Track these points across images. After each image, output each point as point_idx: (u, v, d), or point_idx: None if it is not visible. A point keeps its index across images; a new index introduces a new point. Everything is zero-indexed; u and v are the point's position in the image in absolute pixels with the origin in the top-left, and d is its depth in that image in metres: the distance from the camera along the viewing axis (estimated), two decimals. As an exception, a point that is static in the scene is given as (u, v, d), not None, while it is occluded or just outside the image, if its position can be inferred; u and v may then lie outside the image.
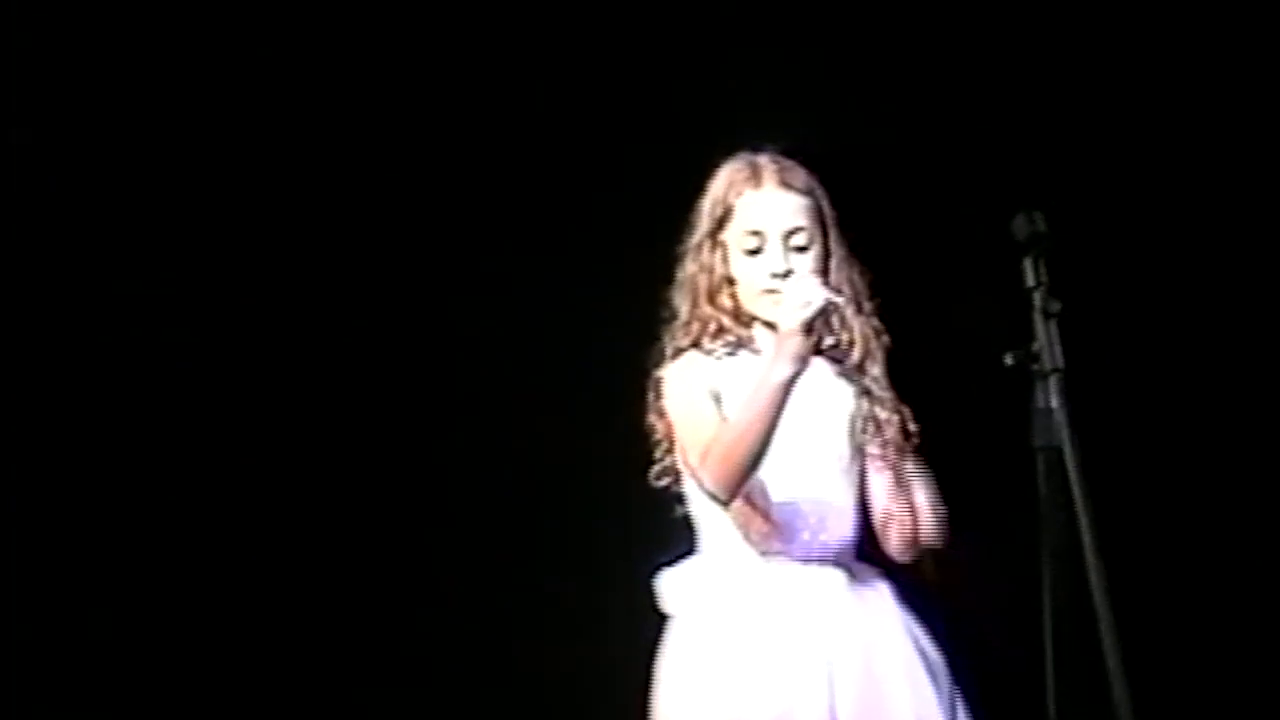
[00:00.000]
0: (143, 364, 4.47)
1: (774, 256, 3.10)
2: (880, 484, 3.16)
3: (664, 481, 3.19)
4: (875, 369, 3.16)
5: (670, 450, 3.17)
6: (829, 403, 3.17)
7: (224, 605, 4.43)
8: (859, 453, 3.17)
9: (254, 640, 4.42)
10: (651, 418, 3.19)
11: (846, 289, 3.13)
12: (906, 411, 3.17)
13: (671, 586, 3.16)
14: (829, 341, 3.13)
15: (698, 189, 3.23)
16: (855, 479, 3.17)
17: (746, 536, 3.11)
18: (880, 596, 3.16)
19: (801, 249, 3.11)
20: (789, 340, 2.99)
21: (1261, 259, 4.48)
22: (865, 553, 3.18)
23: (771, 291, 3.09)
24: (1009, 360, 2.63)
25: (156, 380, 4.47)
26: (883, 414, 3.15)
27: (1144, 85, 4.50)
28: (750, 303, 3.14)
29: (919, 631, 3.16)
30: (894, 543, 3.15)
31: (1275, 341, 4.47)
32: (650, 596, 3.18)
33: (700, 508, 3.16)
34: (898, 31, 4.51)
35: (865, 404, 3.16)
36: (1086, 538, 2.48)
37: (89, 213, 4.48)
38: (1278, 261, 4.48)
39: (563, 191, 4.39)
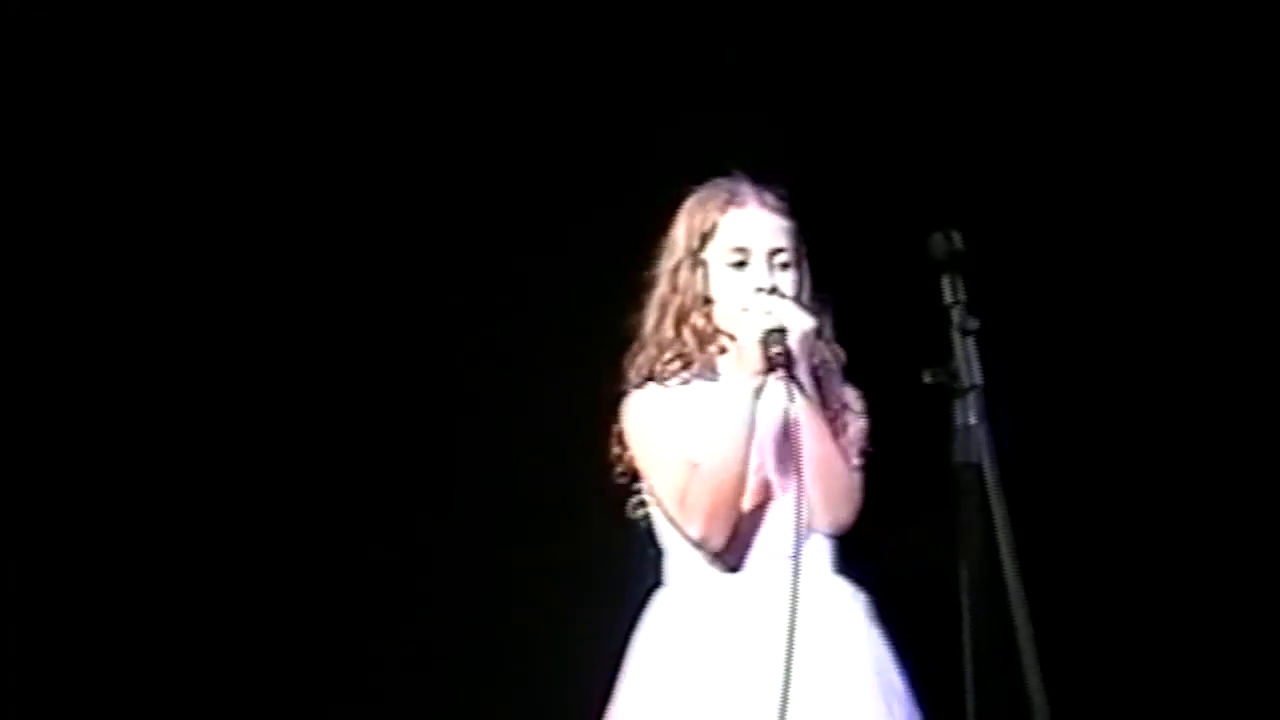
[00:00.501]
0: (129, 362, 4.49)
1: (759, 272, 3.12)
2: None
3: (640, 513, 3.19)
4: (844, 390, 3.20)
5: (636, 478, 3.18)
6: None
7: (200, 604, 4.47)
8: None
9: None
10: (614, 446, 3.20)
11: (828, 353, 3.18)
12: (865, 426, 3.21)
13: (641, 608, 3.16)
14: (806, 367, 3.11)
15: (653, 218, 3.25)
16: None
17: (711, 556, 3.10)
18: (849, 614, 3.14)
19: (785, 266, 3.14)
20: (750, 354, 3.01)
21: (1175, 274, 4.53)
22: (839, 566, 3.18)
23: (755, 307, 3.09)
24: (928, 378, 2.64)
25: (138, 379, 4.49)
26: (852, 430, 3.18)
27: (1057, 104, 4.54)
28: (727, 321, 3.14)
29: (884, 651, 3.15)
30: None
31: (1192, 355, 4.51)
32: (615, 617, 3.18)
33: (664, 528, 3.16)
34: (815, 50, 4.53)
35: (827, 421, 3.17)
36: (1005, 554, 2.49)
37: (83, 213, 4.50)
38: (1192, 276, 4.53)
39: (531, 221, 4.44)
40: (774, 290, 3.08)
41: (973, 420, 2.57)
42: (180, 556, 4.47)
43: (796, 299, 3.11)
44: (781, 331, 3.01)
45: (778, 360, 3.00)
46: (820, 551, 3.14)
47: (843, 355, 3.21)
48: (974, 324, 2.60)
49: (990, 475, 2.52)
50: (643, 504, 3.20)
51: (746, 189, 3.19)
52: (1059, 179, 4.54)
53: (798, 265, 3.16)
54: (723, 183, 3.21)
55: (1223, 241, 4.53)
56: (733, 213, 3.17)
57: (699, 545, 3.07)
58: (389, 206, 4.53)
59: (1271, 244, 4.52)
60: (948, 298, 2.62)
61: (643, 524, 3.20)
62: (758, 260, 3.13)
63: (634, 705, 3.10)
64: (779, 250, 3.14)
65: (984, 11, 4.55)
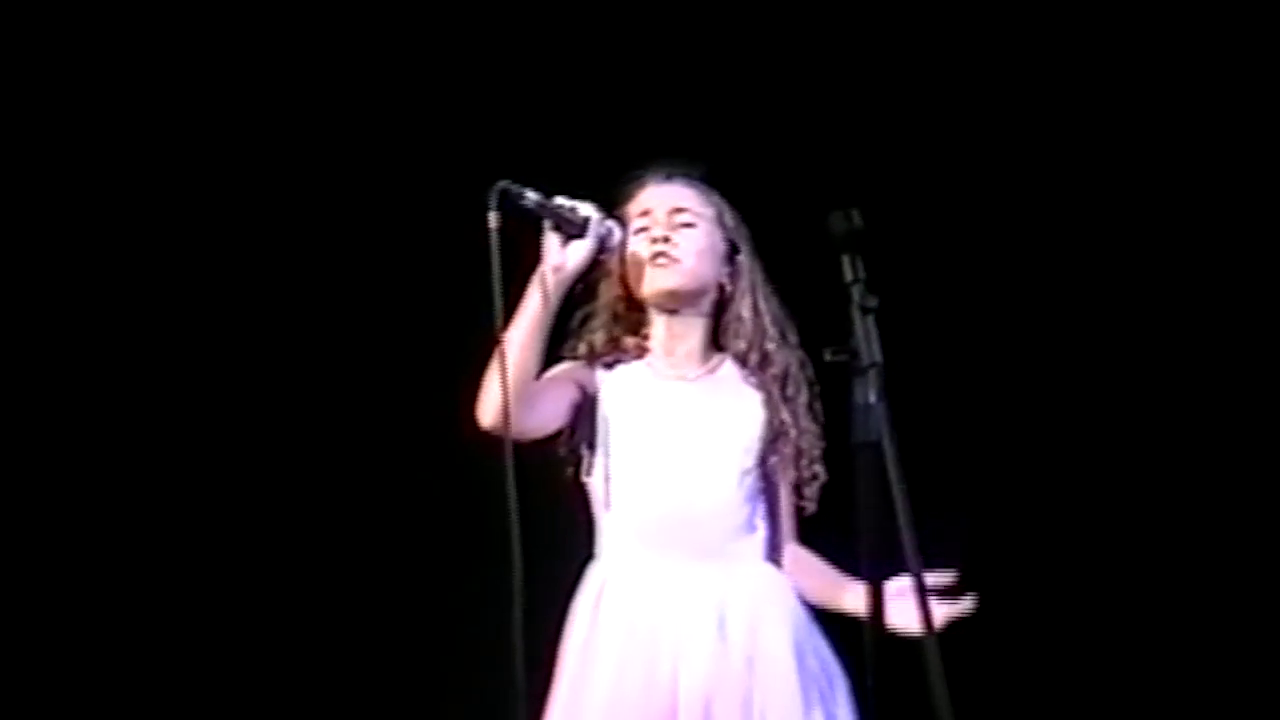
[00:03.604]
0: (120, 361, 4.54)
1: (656, 229, 3.27)
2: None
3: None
4: (799, 397, 3.29)
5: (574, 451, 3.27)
6: (733, 411, 3.27)
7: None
8: (760, 461, 3.27)
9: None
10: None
11: (769, 318, 3.30)
12: (813, 436, 3.28)
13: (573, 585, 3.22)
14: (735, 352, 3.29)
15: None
16: (754, 484, 3.26)
17: (641, 535, 3.19)
18: (777, 599, 3.21)
19: (688, 225, 3.28)
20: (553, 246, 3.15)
21: (1073, 251, 4.57)
22: (769, 556, 3.26)
23: (655, 259, 3.25)
24: (828, 356, 2.65)
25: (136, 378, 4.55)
26: (792, 433, 3.27)
27: (956, 83, 4.57)
28: (636, 283, 3.28)
29: (811, 634, 3.22)
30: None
31: (1093, 333, 4.55)
32: (549, 593, 3.19)
33: (597, 506, 3.24)
34: (716, 29, 4.54)
35: (775, 420, 3.27)
36: (905, 533, 2.50)
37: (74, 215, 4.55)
38: (1091, 254, 4.57)
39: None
40: (667, 240, 3.25)
41: (872, 399, 2.57)
42: (178, 556, 4.53)
43: (706, 255, 3.27)
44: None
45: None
46: (753, 540, 3.23)
47: (811, 372, 3.30)
48: (873, 302, 2.60)
49: (890, 453, 2.52)
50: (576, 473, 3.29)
51: (657, 170, 3.37)
52: (957, 156, 4.56)
53: (715, 224, 3.31)
54: (643, 173, 3.38)
55: (1120, 212, 4.58)
56: (647, 189, 3.34)
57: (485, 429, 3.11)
58: (389, 207, 4.59)
59: (1173, 213, 4.57)
60: (847, 276, 2.62)
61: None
62: (657, 218, 3.29)
63: (573, 680, 3.17)
64: (680, 209, 3.30)
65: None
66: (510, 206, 3.07)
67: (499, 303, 3.02)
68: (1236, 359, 4.55)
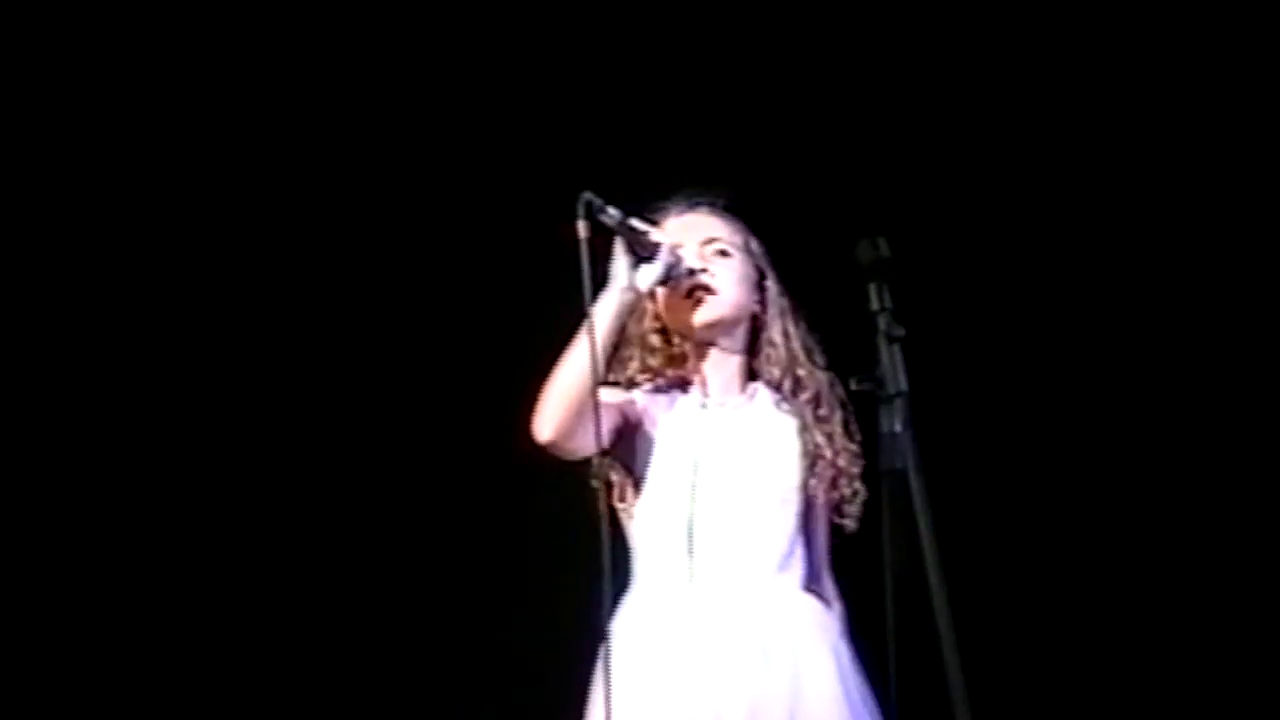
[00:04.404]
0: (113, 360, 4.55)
1: (691, 257, 3.24)
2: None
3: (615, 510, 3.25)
4: (833, 417, 3.27)
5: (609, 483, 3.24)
6: (774, 438, 3.26)
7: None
8: (802, 487, 3.25)
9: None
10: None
11: (798, 343, 3.30)
12: (851, 454, 3.26)
13: (609, 612, 3.16)
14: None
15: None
16: (796, 512, 3.24)
17: (683, 564, 3.17)
18: (816, 627, 3.20)
19: (723, 254, 3.29)
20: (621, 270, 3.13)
21: (1100, 278, 4.57)
22: (808, 584, 3.24)
23: (694, 292, 3.22)
24: (854, 385, 2.66)
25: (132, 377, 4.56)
26: (829, 454, 3.26)
27: (986, 112, 4.57)
28: (674, 315, 3.28)
29: (853, 666, 3.20)
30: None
31: (1116, 364, 4.55)
32: (586, 619, 3.16)
33: (639, 527, 3.22)
34: (745, 55, 4.56)
35: (810, 443, 3.26)
36: (929, 560, 2.50)
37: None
38: (1116, 284, 4.57)
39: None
40: (704, 271, 3.23)
41: (898, 427, 2.58)
42: (177, 556, 4.54)
43: (742, 285, 3.28)
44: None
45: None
46: (793, 568, 3.22)
47: (841, 391, 3.28)
48: (899, 331, 2.61)
49: (915, 481, 2.53)
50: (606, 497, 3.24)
51: (680, 200, 3.35)
52: (985, 186, 4.57)
53: (745, 251, 3.31)
54: (667, 202, 3.36)
55: (1143, 248, 4.57)
56: (674, 219, 3.32)
57: (541, 442, 3.10)
58: (397, 211, 4.61)
59: (1198, 248, 4.57)
60: (874, 304, 2.63)
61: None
62: (691, 248, 3.26)
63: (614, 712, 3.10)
64: (713, 239, 3.29)
65: (912, 22, 4.58)
66: (590, 219, 3.04)
67: (593, 316, 3.02)
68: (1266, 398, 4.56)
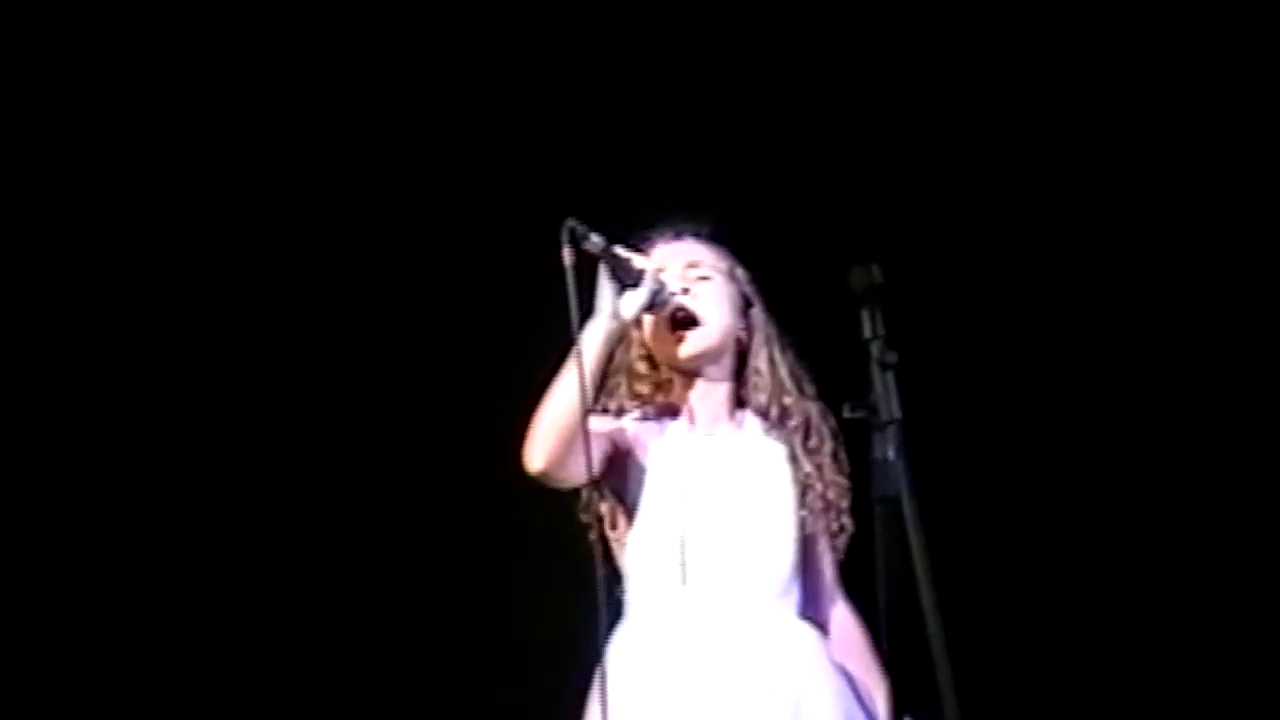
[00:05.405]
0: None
1: (674, 281, 3.24)
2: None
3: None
4: (823, 448, 3.27)
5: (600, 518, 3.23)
6: (763, 467, 3.26)
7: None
8: (795, 515, 3.24)
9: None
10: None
11: (785, 371, 3.29)
12: (841, 488, 3.26)
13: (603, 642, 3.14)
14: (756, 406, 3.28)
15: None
16: (789, 539, 3.23)
17: (676, 593, 3.16)
18: (815, 655, 3.19)
19: (707, 279, 3.29)
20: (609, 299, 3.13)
21: (1094, 305, 4.57)
22: (804, 611, 3.23)
23: (675, 325, 3.22)
24: (847, 412, 2.65)
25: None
26: (819, 485, 3.25)
27: (980, 138, 4.58)
28: (659, 344, 3.27)
29: (849, 697, 3.18)
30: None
31: (1110, 390, 4.55)
32: (581, 650, 3.15)
33: (632, 556, 3.21)
34: (735, 81, 4.57)
35: (800, 473, 3.25)
36: (924, 587, 2.50)
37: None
38: (1110, 313, 4.57)
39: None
40: (685, 292, 3.24)
41: (891, 455, 2.58)
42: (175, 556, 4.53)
43: (721, 309, 3.27)
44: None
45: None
46: (790, 595, 3.21)
47: (833, 421, 3.27)
48: (893, 357, 2.61)
49: (909, 508, 2.53)
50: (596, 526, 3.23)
51: (664, 229, 3.36)
52: (977, 213, 4.57)
53: (729, 278, 3.31)
54: (652, 232, 3.36)
55: (1135, 278, 4.57)
56: (660, 248, 3.32)
57: (533, 472, 3.10)
58: (388, 235, 4.62)
59: (1194, 278, 4.57)
60: (867, 331, 2.63)
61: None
62: (673, 271, 3.27)
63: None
64: (696, 264, 3.30)
65: (901, 48, 4.59)
66: (574, 245, 3.03)
67: (579, 341, 3.01)
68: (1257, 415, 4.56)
